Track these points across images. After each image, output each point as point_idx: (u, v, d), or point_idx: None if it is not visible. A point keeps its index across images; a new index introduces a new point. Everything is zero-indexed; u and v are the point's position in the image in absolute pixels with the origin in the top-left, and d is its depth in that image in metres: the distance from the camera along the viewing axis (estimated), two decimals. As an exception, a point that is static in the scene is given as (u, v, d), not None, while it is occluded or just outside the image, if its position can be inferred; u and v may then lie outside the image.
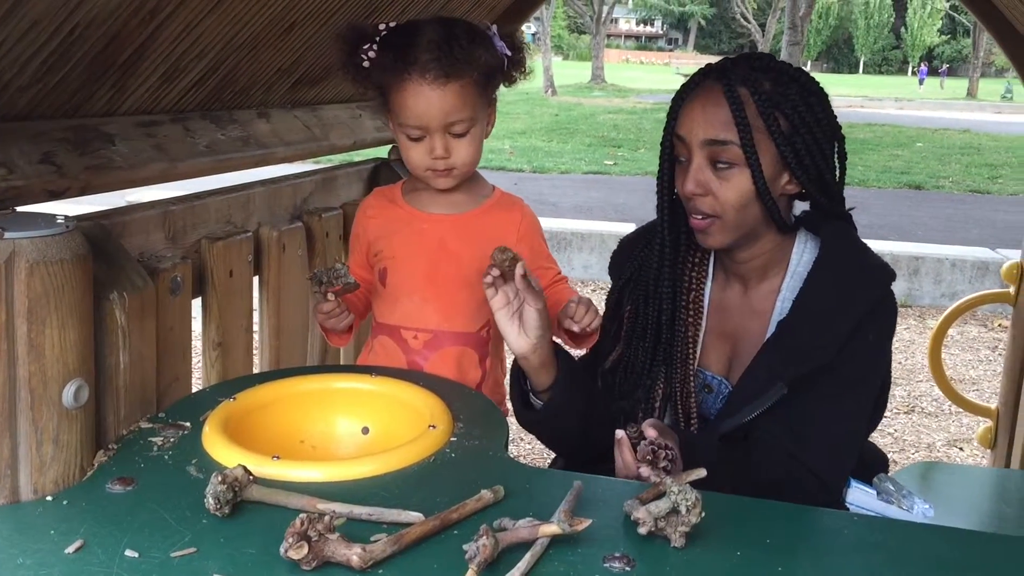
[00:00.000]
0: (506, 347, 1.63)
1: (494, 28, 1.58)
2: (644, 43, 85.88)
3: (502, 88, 1.64)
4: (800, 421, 1.39)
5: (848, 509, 1.40)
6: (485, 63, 1.54)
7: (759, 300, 1.51)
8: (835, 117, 1.44)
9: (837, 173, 1.47)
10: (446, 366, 1.63)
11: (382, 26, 1.55)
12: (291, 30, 1.82)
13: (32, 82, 1.32)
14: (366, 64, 1.54)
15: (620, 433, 1.29)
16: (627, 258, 1.62)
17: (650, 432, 1.25)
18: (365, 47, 1.53)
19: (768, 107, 1.37)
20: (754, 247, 1.47)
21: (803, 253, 1.49)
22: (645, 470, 1.22)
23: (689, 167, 1.42)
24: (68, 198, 1.41)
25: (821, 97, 1.42)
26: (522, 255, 1.60)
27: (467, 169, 1.60)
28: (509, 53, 1.57)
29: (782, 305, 1.47)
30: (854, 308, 1.40)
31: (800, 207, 1.53)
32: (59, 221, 1.18)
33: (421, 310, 1.64)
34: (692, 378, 1.51)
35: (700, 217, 1.43)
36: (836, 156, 1.45)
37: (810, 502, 1.24)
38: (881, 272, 1.45)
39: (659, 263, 1.52)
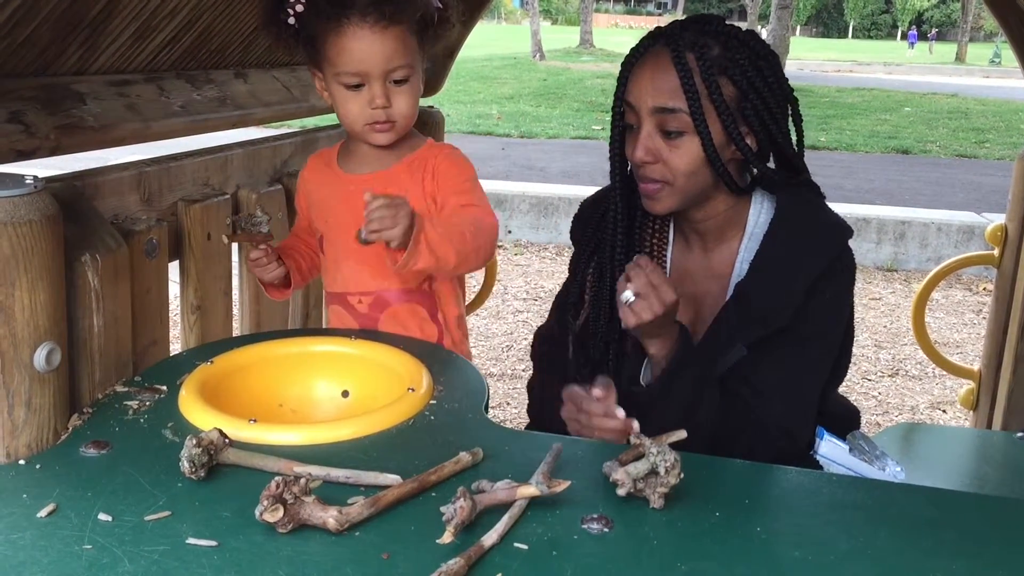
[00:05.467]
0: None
1: None
2: (633, 7, 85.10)
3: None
4: (760, 377, 1.39)
5: (818, 462, 1.41)
6: (421, 11, 1.51)
7: (718, 262, 1.50)
8: (786, 80, 1.43)
9: (794, 137, 1.45)
10: (399, 324, 1.63)
11: None
12: (268, -13, 1.78)
13: (-2, 38, 1.29)
14: (292, 20, 1.49)
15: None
16: (587, 221, 1.60)
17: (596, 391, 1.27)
18: (291, 1, 1.48)
19: (712, 73, 1.35)
20: (707, 208, 1.46)
21: (760, 214, 1.48)
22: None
23: (639, 134, 1.40)
24: (38, 158, 1.38)
25: (771, 61, 1.40)
26: (438, 196, 1.56)
27: (407, 123, 1.57)
28: (440, 5, 1.53)
29: (740, 267, 1.47)
30: (809, 268, 1.39)
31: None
32: (28, 181, 1.15)
33: (358, 274, 1.63)
34: None
35: (648, 183, 1.41)
36: (791, 119, 1.44)
37: (777, 455, 1.24)
38: (835, 230, 1.44)
39: (613, 230, 1.51)
